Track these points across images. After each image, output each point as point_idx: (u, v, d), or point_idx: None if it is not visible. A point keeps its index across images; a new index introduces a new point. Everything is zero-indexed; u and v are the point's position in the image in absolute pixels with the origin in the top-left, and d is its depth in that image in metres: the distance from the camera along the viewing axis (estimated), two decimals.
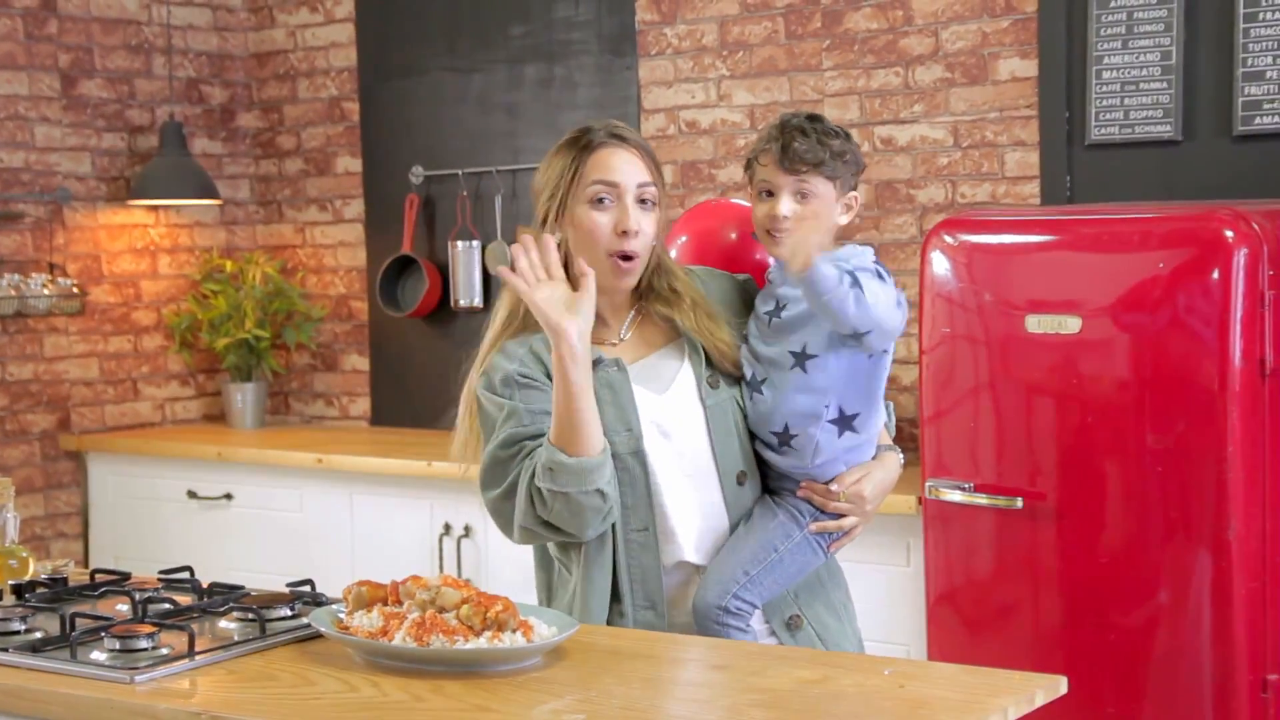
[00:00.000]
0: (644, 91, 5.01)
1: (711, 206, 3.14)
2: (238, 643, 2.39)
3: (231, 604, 2.57)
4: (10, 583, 2.75)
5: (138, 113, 5.66)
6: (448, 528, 4.76)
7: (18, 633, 2.47)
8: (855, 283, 2.45)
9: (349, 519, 4.98)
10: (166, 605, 2.58)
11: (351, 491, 4.97)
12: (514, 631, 2.25)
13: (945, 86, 4.49)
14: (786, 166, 2.57)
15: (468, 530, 4.72)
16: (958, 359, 3.66)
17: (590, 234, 2.55)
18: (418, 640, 2.21)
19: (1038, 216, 3.83)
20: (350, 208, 5.71)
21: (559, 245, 2.54)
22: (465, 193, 5.33)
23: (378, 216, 5.63)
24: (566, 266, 2.52)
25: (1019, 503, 3.57)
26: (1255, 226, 3.32)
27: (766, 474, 2.66)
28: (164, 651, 2.33)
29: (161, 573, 2.84)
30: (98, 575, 2.84)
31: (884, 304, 2.48)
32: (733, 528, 2.60)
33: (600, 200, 2.56)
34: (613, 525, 2.52)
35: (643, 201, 2.57)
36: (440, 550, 4.77)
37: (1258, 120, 4.01)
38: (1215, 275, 3.32)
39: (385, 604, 2.36)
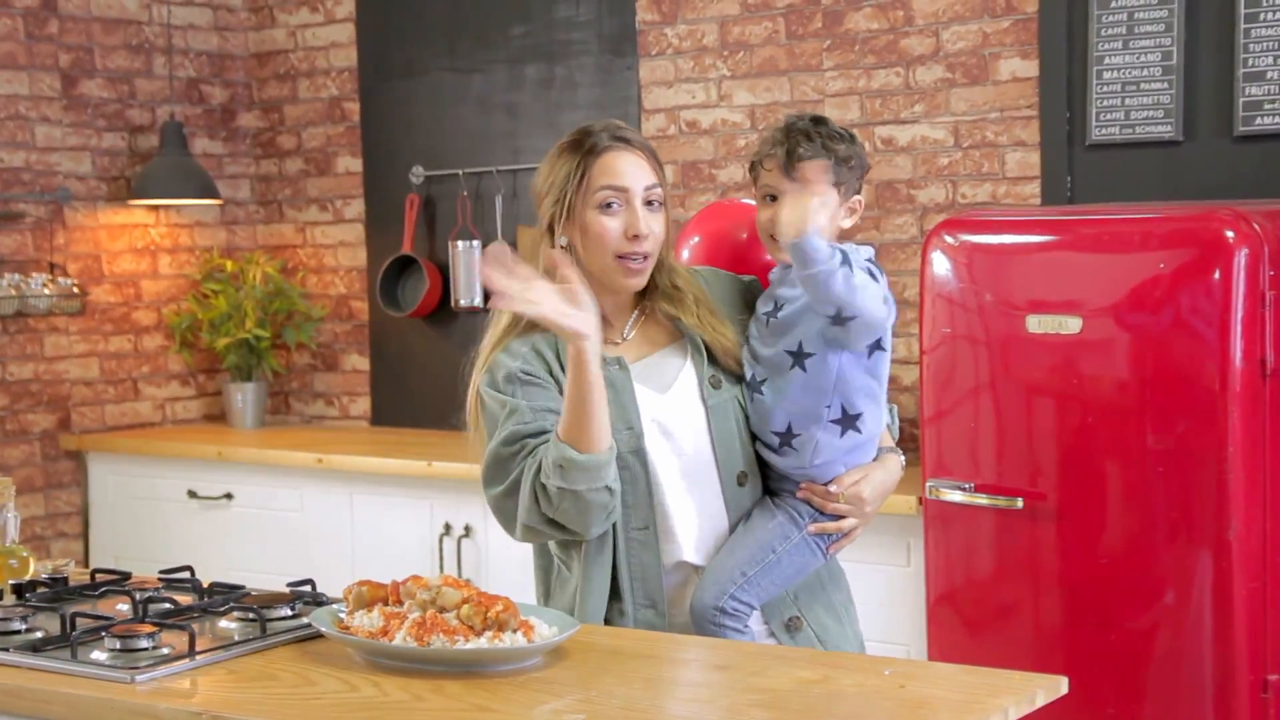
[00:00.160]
0: (644, 92, 5.01)
1: (723, 207, 3.15)
2: (238, 642, 2.39)
3: (232, 604, 2.57)
4: (11, 582, 2.75)
5: (138, 112, 5.66)
6: (448, 528, 4.76)
7: (18, 632, 2.47)
8: (846, 261, 2.44)
9: (349, 519, 4.98)
10: (167, 605, 2.58)
11: (352, 491, 4.98)
12: (515, 631, 2.25)
13: (946, 87, 4.49)
14: (791, 173, 2.57)
15: (468, 530, 4.71)
16: (958, 359, 3.66)
17: (600, 239, 2.55)
18: (418, 640, 2.21)
19: (1038, 217, 3.83)
20: (351, 208, 5.71)
21: (564, 249, 2.54)
22: (466, 193, 5.33)
23: (378, 216, 5.63)
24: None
25: (1019, 503, 3.57)
26: (1256, 227, 3.32)
27: (767, 475, 2.65)
28: (164, 651, 2.33)
29: (162, 572, 2.84)
30: (98, 575, 2.84)
31: (871, 294, 2.48)
32: (732, 528, 2.60)
33: (609, 205, 2.55)
34: (613, 524, 2.52)
35: (649, 203, 2.57)
36: (440, 550, 4.77)
37: (1258, 120, 4.01)
38: (1216, 275, 3.32)
39: (386, 604, 2.36)
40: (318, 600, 2.57)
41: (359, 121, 5.66)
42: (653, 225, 2.57)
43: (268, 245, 5.90)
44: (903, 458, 2.73)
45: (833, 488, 2.60)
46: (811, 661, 2.30)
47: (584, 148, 2.57)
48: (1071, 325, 3.49)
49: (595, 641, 2.36)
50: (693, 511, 2.58)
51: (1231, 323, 3.31)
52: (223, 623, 2.50)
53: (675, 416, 2.58)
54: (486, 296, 2.42)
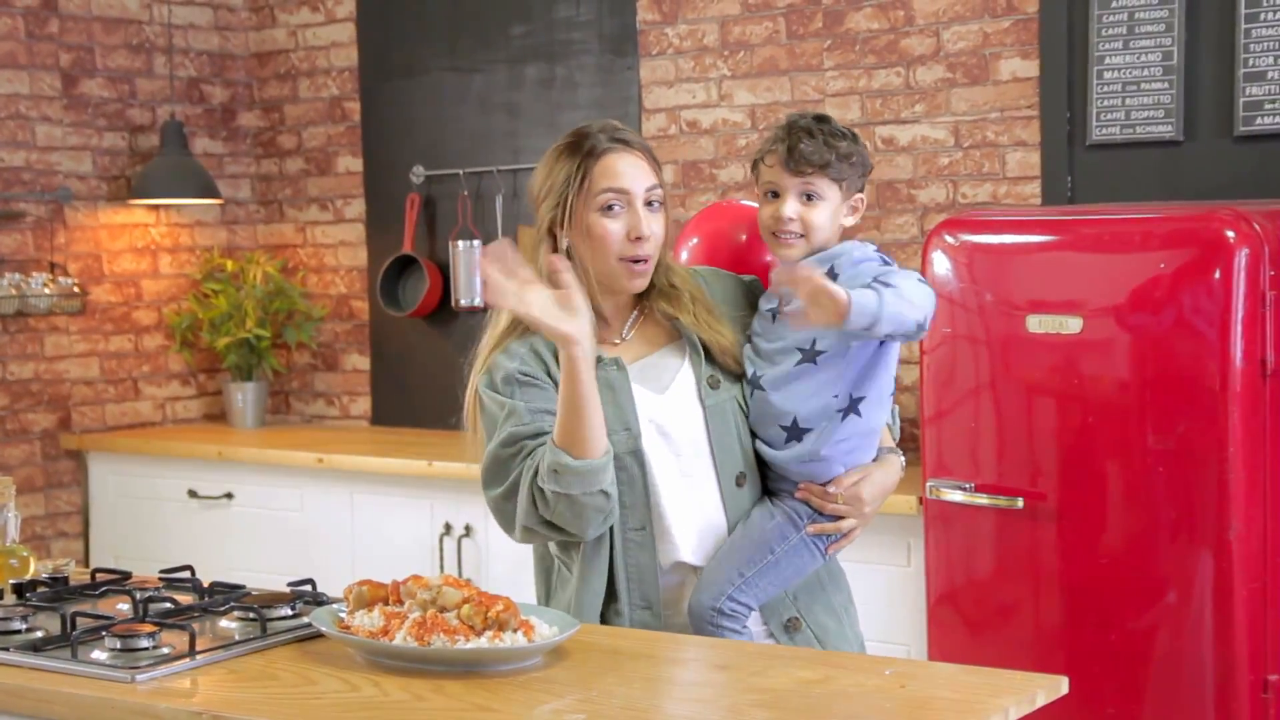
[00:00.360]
0: (645, 91, 5.01)
1: (722, 208, 3.15)
2: (238, 642, 2.39)
3: (232, 603, 2.57)
4: (11, 582, 2.75)
5: (139, 112, 5.66)
6: (448, 527, 4.76)
7: (19, 632, 2.47)
8: (886, 284, 2.44)
9: (349, 519, 4.98)
10: (167, 605, 2.58)
11: (352, 491, 4.98)
12: (515, 631, 2.25)
13: (946, 87, 4.49)
14: (792, 168, 2.57)
15: (468, 530, 4.71)
16: (959, 359, 3.66)
17: (603, 241, 2.55)
18: (419, 640, 2.21)
19: (1039, 217, 3.83)
20: (351, 207, 5.71)
21: (564, 253, 2.54)
22: (466, 192, 5.33)
23: (378, 216, 5.63)
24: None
25: (1020, 503, 3.57)
26: (1256, 227, 3.32)
27: (766, 475, 2.65)
28: (165, 651, 2.33)
29: (162, 572, 2.84)
30: (98, 574, 2.84)
31: (922, 292, 2.47)
32: (730, 529, 2.59)
33: (610, 207, 2.55)
34: (610, 525, 2.52)
35: (649, 204, 2.57)
36: (441, 550, 4.77)
37: (1259, 120, 4.01)
38: (1216, 275, 3.32)
39: (386, 603, 2.36)
40: (318, 600, 2.57)
41: (359, 121, 5.66)
42: (654, 226, 2.56)
43: (268, 245, 5.90)
44: (903, 458, 2.72)
45: (832, 488, 2.60)
46: (812, 661, 2.30)
47: (583, 150, 2.56)
48: (1072, 325, 3.49)
49: (595, 641, 2.36)
50: (690, 512, 2.58)
51: (1232, 323, 3.31)
52: (223, 622, 2.50)
53: (673, 417, 2.58)
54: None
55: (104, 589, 2.74)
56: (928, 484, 3.72)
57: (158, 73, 5.70)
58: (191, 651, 2.31)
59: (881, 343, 2.55)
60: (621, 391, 2.55)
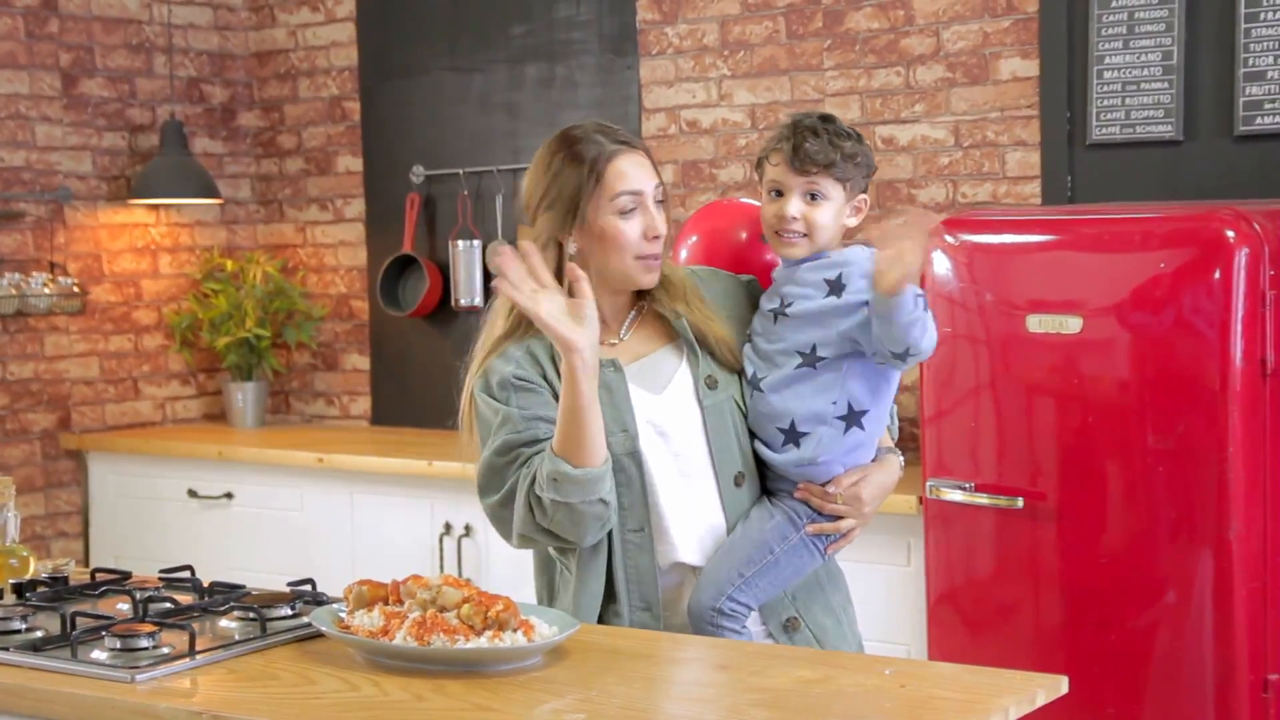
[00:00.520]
0: (645, 91, 5.01)
1: (721, 206, 3.14)
2: (238, 642, 2.39)
3: (232, 603, 2.57)
4: (11, 582, 2.75)
5: (138, 112, 5.66)
6: (448, 527, 4.76)
7: (19, 632, 2.47)
8: (925, 306, 2.45)
9: (349, 518, 4.98)
10: (167, 604, 2.58)
11: (352, 491, 4.98)
12: (515, 631, 2.25)
13: (946, 86, 4.49)
14: (797, 167, 2.57)
15: (468, 530, 4.71)
16: (959, 359, 3.66)
17: (620, 243, 2.54)
18: (419, 639, 2.21)
19: (1039, 216, 3.83)
20: (351, 207, 5.71)
21: (571, 258, 2.54)
22: (466, 192, 5.33)
23: (378, 216, 5.63)
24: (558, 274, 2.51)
25: (1020, 503, 3.57)
26: (1256, 226, 3.32)
27: (764, 475, 2.65)
28: (165, 651, 2.33)
29: (162, 572, 2.84)
30: (98, 574, 2.85)
31: (931, 331, 2.49)
32: (729, 529, 2.59)
33: (627, 210, 2.55)
34: None
35: (658, 201, 2.59)
36: (441, 550, 4.77)
37: (1259, 120, 4.01)
38: (1216, 275, 3.32)
39: (386, 603, 2.36)
40: (318, 600, 2.57)
41: (359, 121, 5.66)
42: (663, 223, 2.58)
43: (268, 245, 5.90)
44: (901, 459, 2.72)
45: (831, 488, 2.60)
46: (812, 661, 2.30)
47: (590, 155, 2.55)
48: (1072, 325, 3.49)
49: (595, 641, 2.36)
50: (689, 512, 2.57)
51: (1232, 322, 3.31)
52: (223, 622, 2.50)
53: (671, 417, 2.58)
54: (487, 295, 2.41)
55: (104, 589, 2.74)
56: (928, 484, 3.72)
57: (158, 72, 5.70)
58: (191, 651, 2.31)
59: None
60: (619, 393, 2.55)
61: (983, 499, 3.63)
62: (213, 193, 5.60)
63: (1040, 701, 2.12)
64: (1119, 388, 3.44)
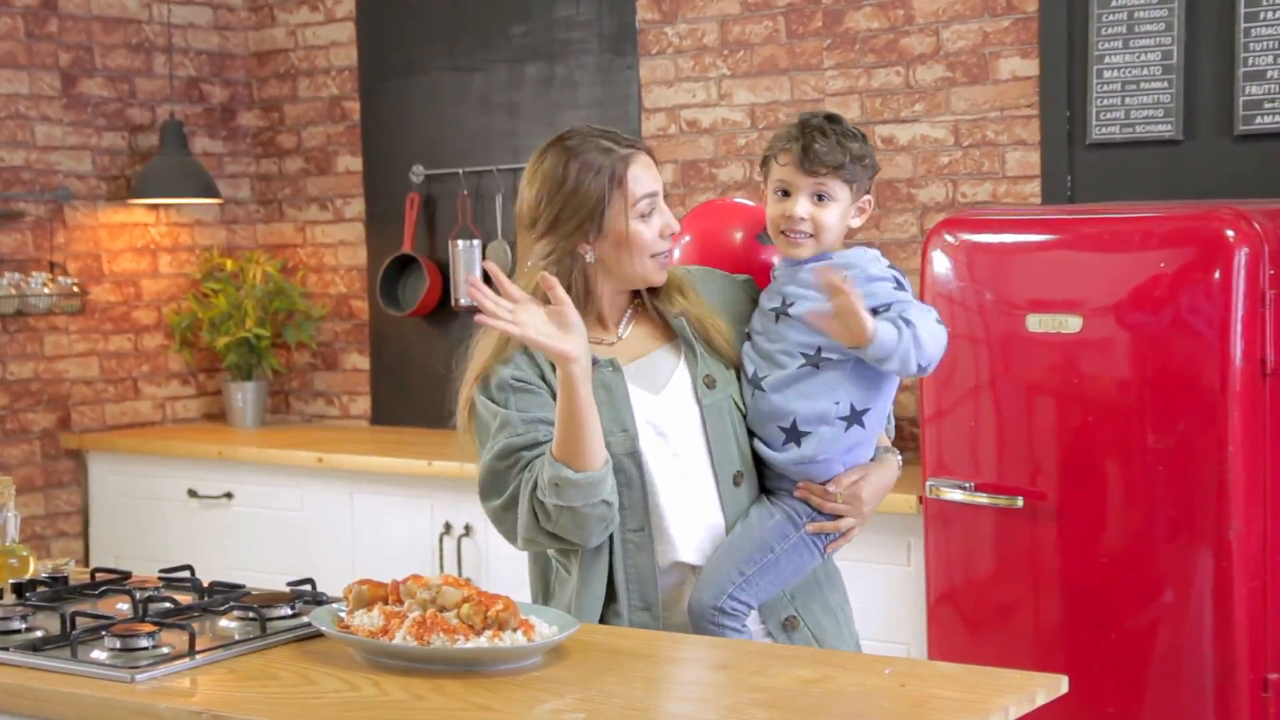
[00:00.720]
0: (645, 91, 5.01)
1: (716, 206, 3.14)
2: (238, 642, 2.39)
3: (232, 603, 2.57)
4: (11, 581, 2.75)
5: (138, 111, 5.66)
6: (448, 527, 4.76)
7: (18, 632, 2.46)
8: (908, 321, 2.46)
9: (349, 518, 4.98)
10: (167, 604, 2.58)
11: (352, 491, 4.98)
12: (515, 631, 2.25)
13: (946, 86, 4.49)
14: (806, 168, 2.57)
15: (468, 529, 4.72)
16: (958, 358, 3.66)
17: (640, 244, 2.55)
18: (418, 639, 2.21)
19: (1038, 216, 3.83)
20: (351, 207, 5.71)
21: (588, 265, 2.55)
22: (466, 192, 5.33)
23: (378, 215, 5.63)
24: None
25: (1020, 502, 3.57)
26: (1256, 226, 3.32)
27: (764, 474, 2.65)
28: (164, 650, 2.33)
29: (162, 572, 2.84)
30: (98, 574, 2.85)
31: (936, 334, 2.50)
32: (729, 528, 2.59)
33: (647, 212, 2.57)
34: None
35: (666, 198, 2.62)
36: (441, 549, 4.77)
37: (1259, 120, 4.01)
38: (1216, 275, 3.32)
39: (386, 603, 2.36)
40: (318, 599, 2.57)
41: (359, 121, 5.66)
42: (674, 220, 2.61)
43: (268, 244, 5.90)
44: (900, 458, 2.73)
45: (831, 487, 2.60)
46: (812, 660, 2.30)
47: (607, 163, 2.54)
48: (1072, 324, 3.49)
49: (595, 641, 2.36)
50: (688, 512, 2.57)
51: (1232, 322, 3.31)
52: (223, 622, 2.50)
53: (670, 417, 2.58)
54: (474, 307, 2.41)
55: (104, 589, 2.74)
56: (928, 483, 3.72)
57: (157, 72, 5.70)
58: (191, 651, 2.31)
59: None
60: (618, 393, 2.55)
61: (983, 498, 3.63)
62: (212, 192, 5.60)
63: (1040, 701, 2.12)
64: (1119, 387, 3.44)
